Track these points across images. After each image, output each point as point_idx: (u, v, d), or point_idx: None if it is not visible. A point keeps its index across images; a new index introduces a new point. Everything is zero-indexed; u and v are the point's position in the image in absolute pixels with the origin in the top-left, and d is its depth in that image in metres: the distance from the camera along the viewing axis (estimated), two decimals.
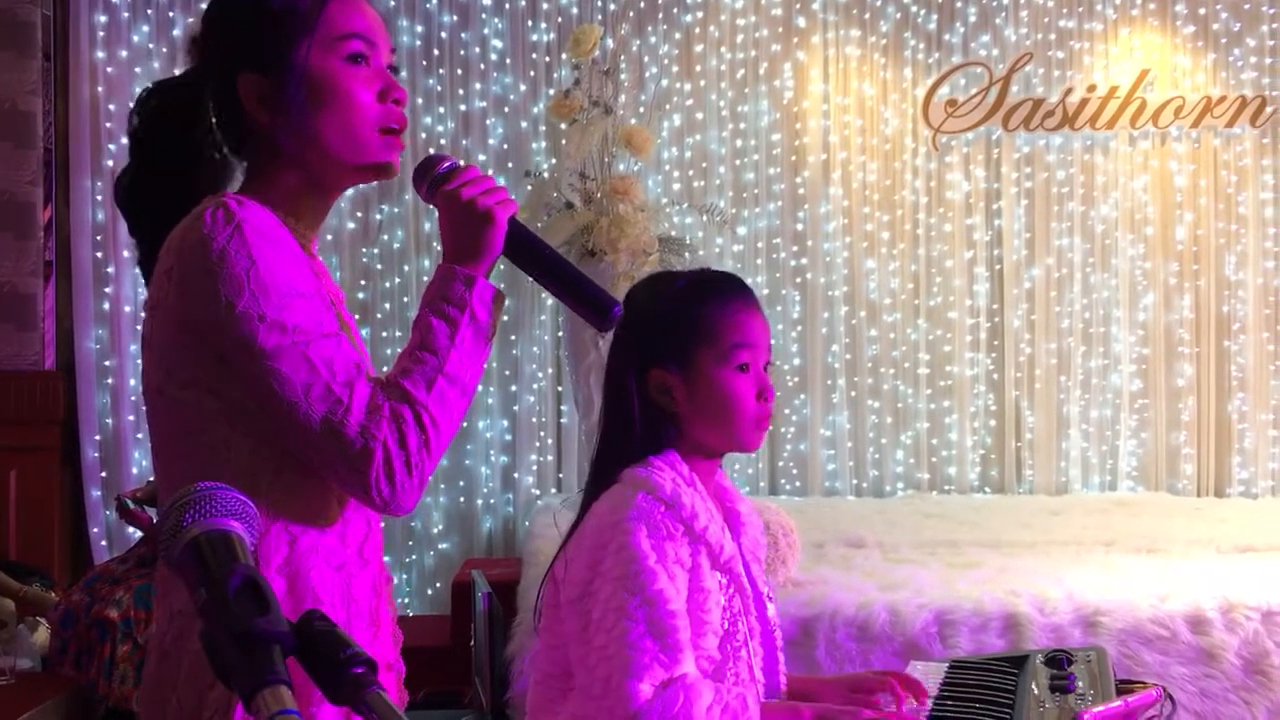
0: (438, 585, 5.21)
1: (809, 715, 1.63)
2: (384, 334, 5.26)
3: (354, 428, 1.25)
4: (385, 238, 5.29)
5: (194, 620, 1.25)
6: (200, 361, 1.28)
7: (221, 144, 1.40)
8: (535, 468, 5.31)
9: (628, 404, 1.66)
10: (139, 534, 4.05)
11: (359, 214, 5.26)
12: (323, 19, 1.35)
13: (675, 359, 1.66)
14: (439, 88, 5.34)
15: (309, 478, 1.30)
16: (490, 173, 5.28)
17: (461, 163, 1.41)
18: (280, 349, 1.24)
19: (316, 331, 1.27)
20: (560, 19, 5.37)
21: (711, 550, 1.62)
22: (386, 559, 5.22)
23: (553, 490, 5.29)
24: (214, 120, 1.38)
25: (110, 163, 5.07)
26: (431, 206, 1.42)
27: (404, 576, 5.25)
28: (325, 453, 1.26)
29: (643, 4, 5.41)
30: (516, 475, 5.30)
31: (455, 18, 5.36)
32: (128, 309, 5.06)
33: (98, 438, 5.01)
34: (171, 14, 5.18)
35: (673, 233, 4.97)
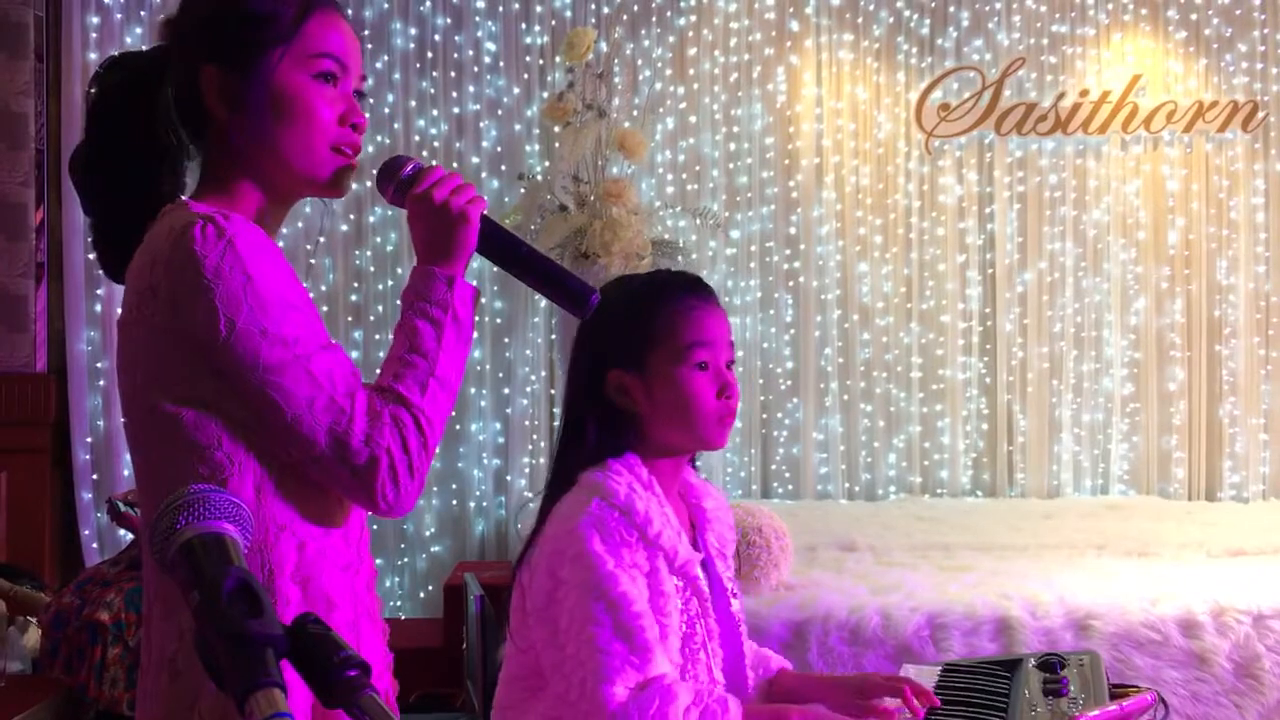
0: (430, 588, 5.21)
1: (795, 718, 1.63)
2: (377, 337, 5.25)
3: (359, 437, 1.26)
4: (378, 239, 5.29)
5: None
6: (199, 378, 1.27)
7: (177, 127, 1.39)
8: (528, 470, 5.31)
9: (582, 406, 1.68)
10: (130, 536, 4.03)
11: (351, 216, 5.26)
12: (301, 33, 1.36)
13: (631, 360, 1.67)
14: (432, 90, 5.34)
15: (311, 484, 1.31)
16: (484, 175, 5.30)
17: (424, 164, 1.41)
18: (283, 363, 1.25)
19: (315, 343, 1.28)
20: (554, 22, 5.37)
21: (667, 555, 1.63)
22: (379, 562, 5.17)
23: None
24: (171, 103, 1.37)
25: None
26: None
27: (396, 579, 5.25)
28: (331, 464, 1.27)
29: (636, 7, 5.41)
30: (509, 478, 5.29)
31: (449, 20, 5.36)
32: (120, 311, 5.05)
33: (89, 440, 5.00)
34: (164, 16, 5.16)
35: (666, 236, 4.98)
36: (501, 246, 1.41)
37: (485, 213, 1.40)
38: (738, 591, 1.78)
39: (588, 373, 1.69)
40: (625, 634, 1.54)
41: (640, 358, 1.67)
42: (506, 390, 5.32)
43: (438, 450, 5.15)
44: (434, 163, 1.44)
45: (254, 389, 1.25)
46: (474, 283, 1.39)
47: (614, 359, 1.67)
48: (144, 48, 1.46)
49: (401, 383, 1.31)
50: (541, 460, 5.31)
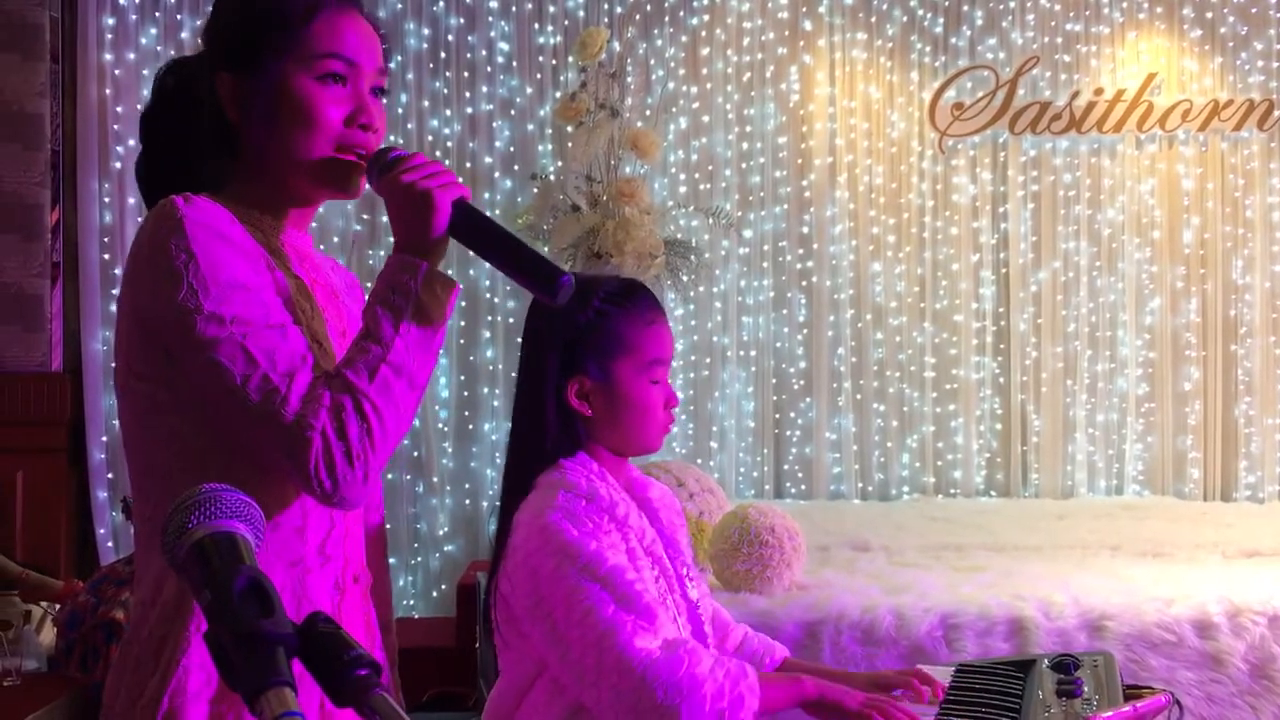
0: (443, 587, 5.22)
1: (811, 689, 1.64)
2: None
3: (290, 417, 1.24)
4: (391, 239, 5.29)
5: (149, 610, 1.30)
6: (151, 355, 1.30)
7: (211, 131, 1.40)
8: None
9: (544, 409, 1.71)
10: None
11: (365, 216, 5.27)
12: (305, 35, 1.36)
13: (595, 368, 1.71)
14: (445, 90, 5.35)
15: (260, 471, 1.29)
16: (496, 175, 5.30)
17: (407, 152, 1.39)
18: (218, 340, 1.25)
19: (259, 323, 1.27)
20: (567, 22, 5.38)
21: (635, 533, 1.67)
22: (391, 561, 5.16)
23: None
24: (203, 110, 1.40)
25: (118, 164, 5.09)
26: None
27: (409, 578, 5.26)
28: (265, 444, 1.26)
29: (649, 7, 5.41)
30: None
31: (462, 20, 5.36)
32: None
33: (104, 439, 5.02)
34: (179, 16, 5.19)
35: (679, 236, 4.97)
36: (474, 232, 1.37)
37: (469, 201, 1.37)
38: (695, 576, 1.81)
39: (551, 377, 1.71)
40: (627, 603, 1.56)
41: (604, 366, 1.71)
42: None
43: (450, 449, 5.13)
44: (437, 157, 1.43)
45: (194, 366, 1.26)
46: (463, 284, 1.38)
47: (580, 365, 1.70)
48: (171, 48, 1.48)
49: (351, 368, 1.28)
50: None
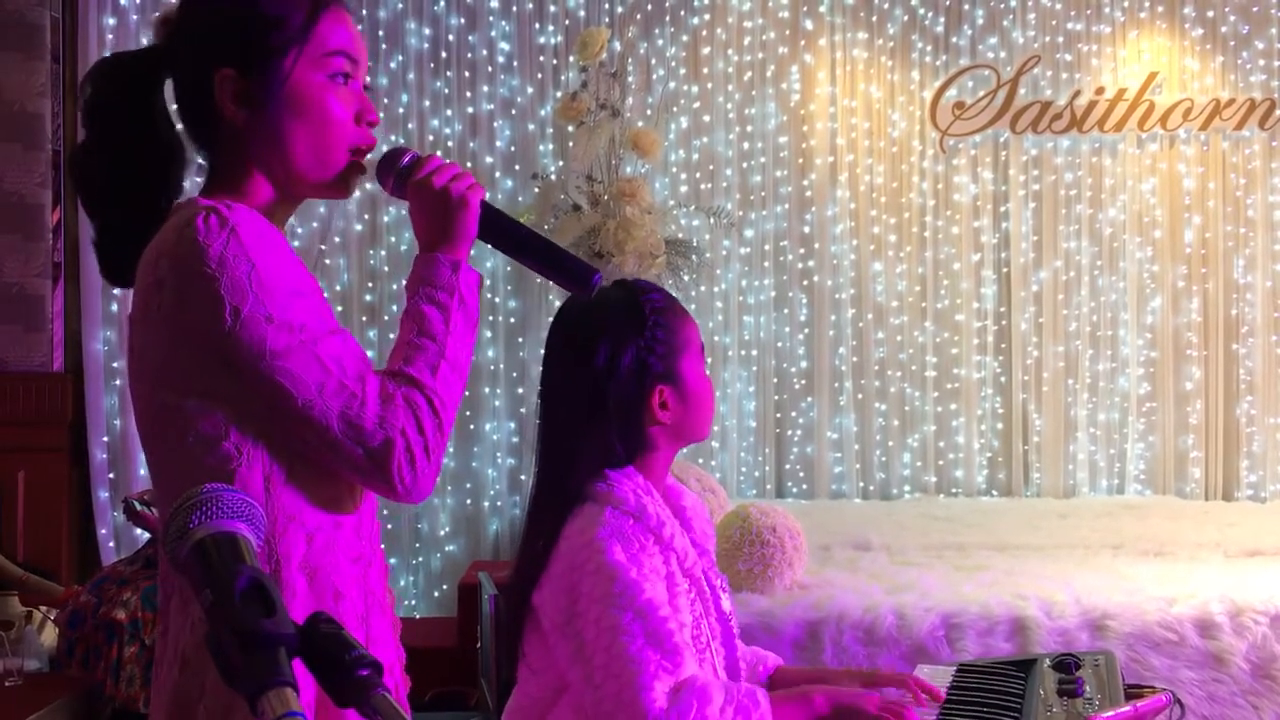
0: (444, 587, 5.22)
1: (821, 703, 1.64)
2: (391, 336, 5.25)
3: (371, 420, 1.26)
4: (393, 239, 5.30)
5: None
6: (205, 370, 1.27)
7: (174, 123, 1.38)
8: None
9: (606, 427, 1.67)
10: (146, 535, 4.05)
11: (366, 215, 5.27)
12: (315, 33, 1.35)
13: (668, 377, 1.70)
14: (446, 90, 5.35)
15: (322, 474, 1.31)
16: (497, 175, 5.30)
17: (421, 153, 1.41)
18: (290, 349, 1.25)
19: (322, 329, 1.28)
20: (567, 22, 5.38)
21: (677, 556, 1.66)
22: (393, 561, 5.17)
23: None
24: (179, 105, 1.38)
25: None
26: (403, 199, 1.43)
27: (410, 578, 5.26)
28: (345, 448, 1.27)
29: (650, 6, 5.41)
30: (523, 477, 5.29)
31: (463, 20, 5.36)
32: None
33: (105, 439, 5.02)
34: (160, 14, 5.18)
35: (680, 235, 4.97)
36: (502, 231, 1.43)
37: (485, 199, 1.41)
38: (726, 587, 1.81)
39: (626, 392, 1.67)
40: (656, 640, 1.55)
41: (676, 369, 1.71)
42: (520, 390, 5.32)
43: (451, 449, 5.12)
44: (438, 153, 1.43)
45: (263, 376, 1.25)
46: (486, 280, 1.39)
47: (659, 374, 1.69)
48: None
49: (412, 366, 1.31)
50: None
